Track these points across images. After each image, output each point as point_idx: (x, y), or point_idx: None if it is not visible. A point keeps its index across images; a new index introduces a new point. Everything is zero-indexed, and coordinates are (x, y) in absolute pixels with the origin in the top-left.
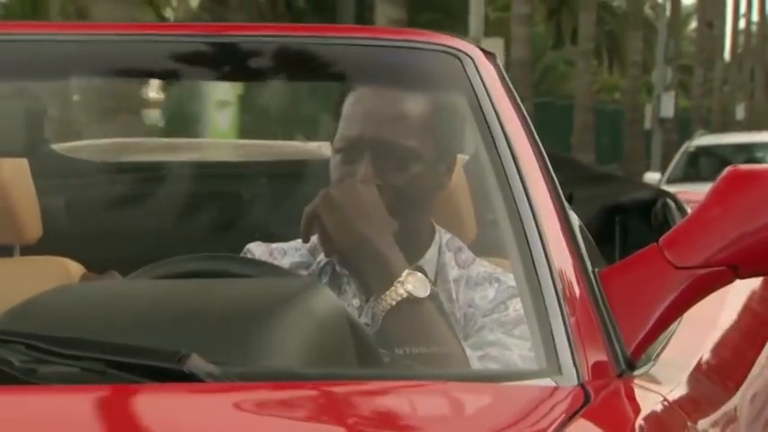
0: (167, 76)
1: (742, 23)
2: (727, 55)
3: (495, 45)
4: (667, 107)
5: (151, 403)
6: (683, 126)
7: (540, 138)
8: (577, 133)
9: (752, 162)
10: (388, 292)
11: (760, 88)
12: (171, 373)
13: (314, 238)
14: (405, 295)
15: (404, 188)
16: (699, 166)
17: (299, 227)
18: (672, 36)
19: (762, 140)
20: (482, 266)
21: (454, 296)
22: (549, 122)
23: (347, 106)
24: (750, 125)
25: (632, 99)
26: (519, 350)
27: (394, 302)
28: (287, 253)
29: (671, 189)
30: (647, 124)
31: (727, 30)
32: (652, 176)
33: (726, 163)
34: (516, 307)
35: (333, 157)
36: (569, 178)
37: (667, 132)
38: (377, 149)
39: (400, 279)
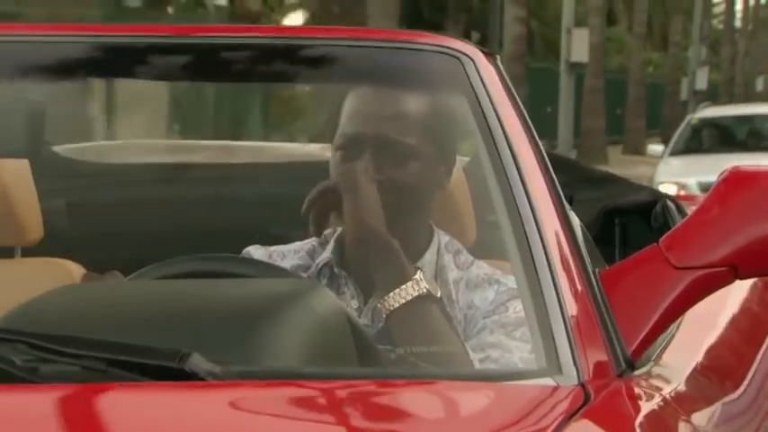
0: (169, 78)
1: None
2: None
3: (582, 34)
4: (702, 81)
5: (152, 402)
6: (713, 97)
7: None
8: (631, 104)
9: (753, 132)
10: (398, 290)
11: None
12: (172, 372)
13: (313, 241)
14: (423, 292)
15: (403, 186)
16: (701, 137)
17: (299, 228)
18: (705, 18)
19: (762, 112)
20: (481, 268)
21: (454, 297)
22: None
23: (347, 104)
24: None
25: (672, 74)
26: (519, 352)
27: (404, 300)
28: (286, 256)
29: (675, 160)
30: (683, 95)
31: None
32: (655, 148)
33: (727, 134)
34: (517, 308)
35: (333, 155)
36: (569, 180)
37: (701, 102)
38: (377, 147)
39: (416, 277)
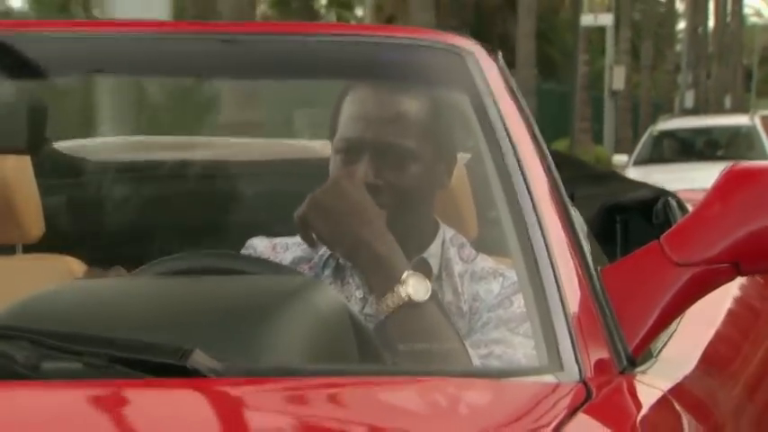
0: (172, 74)
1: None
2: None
3: (620, 70)
4: (689, 100)
5: (154, 399)
6: (697, 113)
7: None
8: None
9: (710, 143)
10: (389, 295)
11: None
12: (174, 369)
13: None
14: (405, 299)
15: (404, 188)
16: (662, 148)
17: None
18: (691, 47)
19: (718, 124)
20: (486, 261)
21: (460, 290)
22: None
23: (347, 106)
24: (699, 97)
25: (666, 94)
26: (523, 348)
27: (394, 306)
28: (289, 247)
29: (637, 171)
30: (676, 113)
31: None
32: (620, 159)
33: (686, 145)
34: (521, 303)
35: (333, 157)
36: (571, 177)
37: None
38: (377, 150)
39: (401, 280)
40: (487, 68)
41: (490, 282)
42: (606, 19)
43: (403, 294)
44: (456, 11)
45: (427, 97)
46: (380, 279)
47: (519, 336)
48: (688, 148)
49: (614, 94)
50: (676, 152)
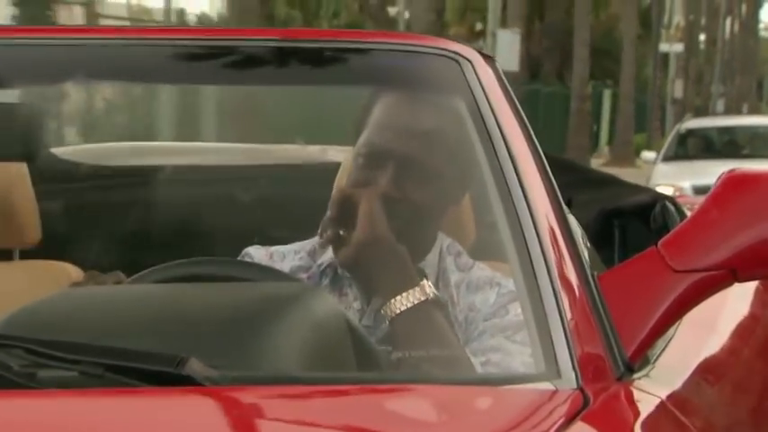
0: (175, 81)
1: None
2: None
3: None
4: (720, 106)
5: (150, 407)
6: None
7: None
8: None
9: (733, 142)
10: (404, 294)
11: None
12: (170, 377)
13: (314, 242)
14: (431, 296)
15: (420, 204)
16: (687, 145)
17: (298, 230)
18: (722, 64)
19: (741, 123)
20: (482, 270)
21: (455, 300)
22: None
23: (377, 112)
24: (729, 103)
25: (704, 101)
26: (520, 356)
27: (410, 304)
28: (286, 256)
29: (665, 166)
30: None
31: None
32: (648, 155)
33: (710, 143)
34: (517, 311)
35: (355, 158)
36: (568, 182)
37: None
38: (401, 162)
39: (423, 282)
40: (484, 74)
41: (486, 291)
42: (679, 47)
43: (428, 290)
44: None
45: (456, 115)
46: (396, 277)
47: (516, 344)
48: (712, 146)
49: (675, 101)
50: (701, 149)
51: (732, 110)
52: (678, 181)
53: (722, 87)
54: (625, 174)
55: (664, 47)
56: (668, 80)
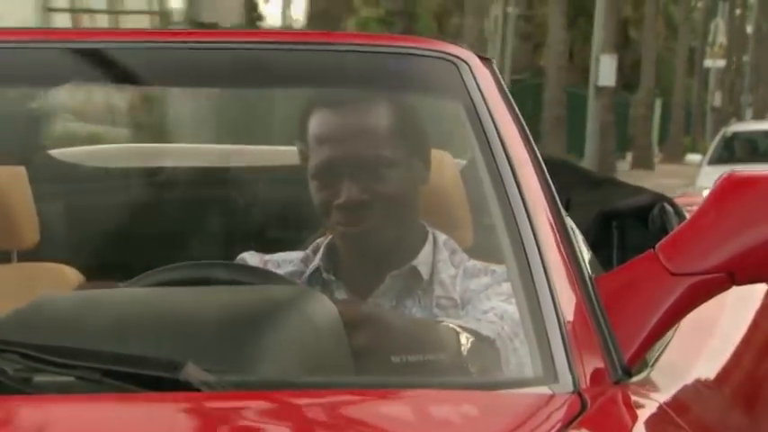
0: (166, 84)
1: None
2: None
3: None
4: (749, 114)
5: (146, 412)
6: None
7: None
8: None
9: None
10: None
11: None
12: (166, 382)
13: (308, 251)
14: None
15: (389, 194)
16: (733, 149)
17: (295, 232)
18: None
19: None
20: (476, 262)
21: (450, 288)
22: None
23: (312, 129)
24: (756, 111)
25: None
26: (514, 315)
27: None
28: (280, 265)
29: (711, 168)
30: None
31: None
32: (693, 158)
33: (755, 146)
34: (509, 287)
35: (311, 182)
36: (566, 183)
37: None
38: (352, 167)
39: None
40: (481, 76)
41: (481, 277)
42: (721, 63)
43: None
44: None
45: (386, 99)
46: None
47: (512, 305)
48: (756, 149)
49: (713, 109)
50: (747, 152)
51: (759, 116)
52: None
53: (750, 97)
54: (676, 169)
55: (707, 62)
56: (708, 92)
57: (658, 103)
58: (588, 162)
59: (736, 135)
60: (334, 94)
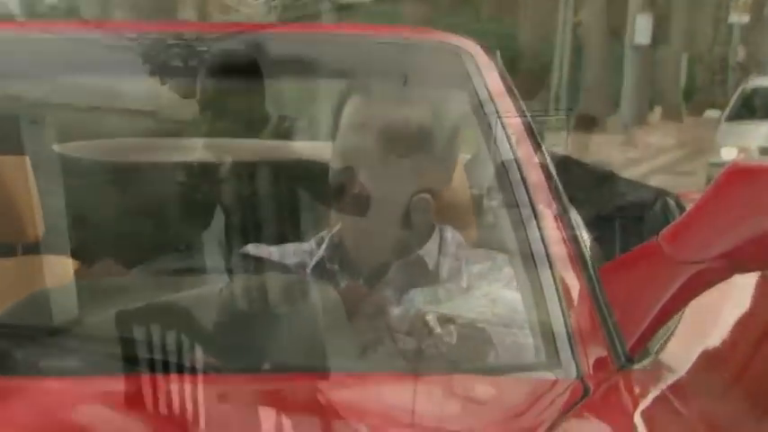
0: (167, 75)
1: None
2: None
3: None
4: (741, 55)
5: (152, 395)
6: None
7: None
8: None
9: None
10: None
11: None
12: (173, 366)
13: (312, 243)
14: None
15: (406, 194)
16: (753, 105)
17: (299, 226)
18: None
19: None
20: (480, 249)
21: (455, 276)
22: None
23: (346, 113)
24: None
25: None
26: (514, 300)
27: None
28: (284, 257)
29: (729, 126)
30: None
31: None
32: (711, 113)
33: None
34: (511, 271)
35: (332, 161)
36: (570, 177)
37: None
38: (378, 159)
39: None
40: (485, 67)
41: (484, 263)
42: (746, 18)
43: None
44: None
45: (425, 98)
46: None
47: (512, 291)
48: None
49: (737, 65)
50: (767, 109)
51: None
52: (744, 142)
53: None
54: (702, 121)
55: (732, 18)
56: (730, 47)
57: (684, 58)
58: (623, 117)
59: (756, 91)
60: (373, 84)
